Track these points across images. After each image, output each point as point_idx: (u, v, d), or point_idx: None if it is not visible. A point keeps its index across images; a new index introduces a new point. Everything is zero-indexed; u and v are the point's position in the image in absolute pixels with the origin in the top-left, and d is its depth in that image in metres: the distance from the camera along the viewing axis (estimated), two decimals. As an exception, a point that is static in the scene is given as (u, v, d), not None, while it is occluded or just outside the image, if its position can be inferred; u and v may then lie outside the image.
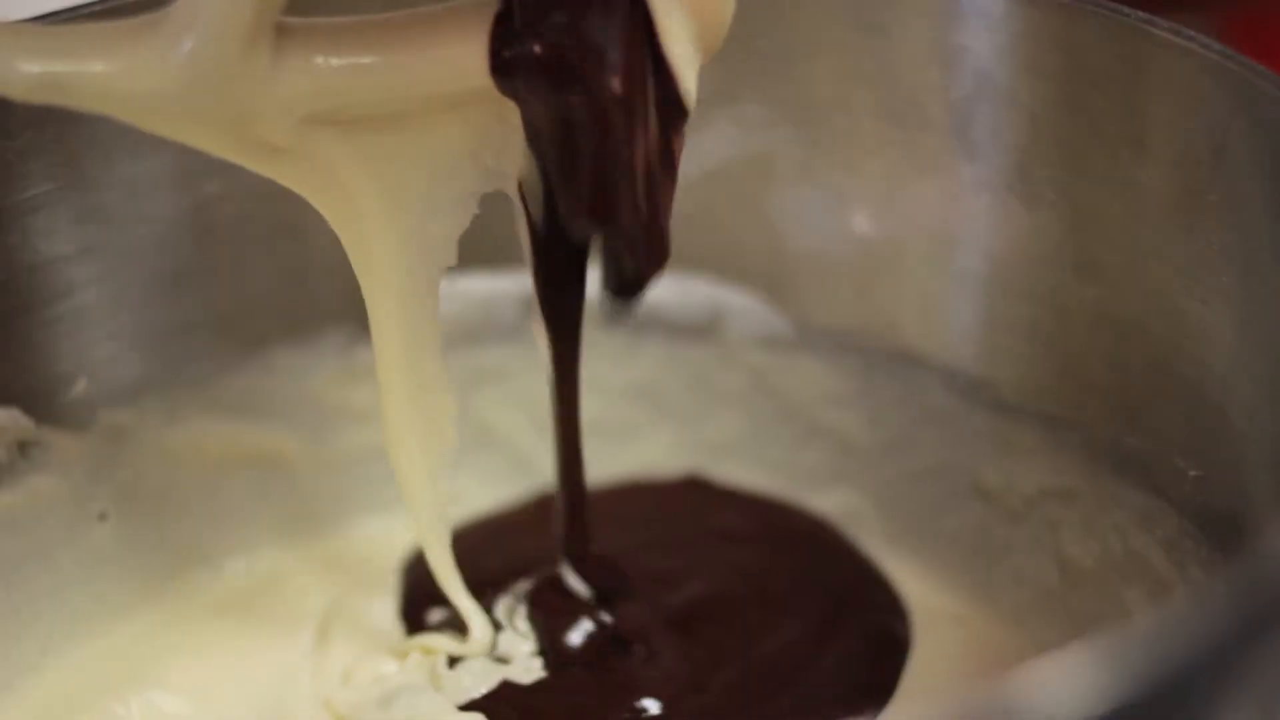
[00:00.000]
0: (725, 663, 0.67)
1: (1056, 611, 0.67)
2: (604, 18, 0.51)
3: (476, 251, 0.72)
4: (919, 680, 0.66)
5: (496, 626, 0.68)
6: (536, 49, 0.52)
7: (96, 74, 0.51)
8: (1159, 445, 0.62)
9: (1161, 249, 0.61)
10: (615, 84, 0.51)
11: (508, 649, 0.68)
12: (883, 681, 0.66)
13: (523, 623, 0.68)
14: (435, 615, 0.70)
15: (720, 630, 0.68)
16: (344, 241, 0.58)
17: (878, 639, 0.68)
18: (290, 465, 0.73)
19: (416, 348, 0.60)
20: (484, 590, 0.70)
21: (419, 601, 0.71)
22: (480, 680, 0.66)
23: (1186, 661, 0.39)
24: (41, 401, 0.67)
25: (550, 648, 0.67)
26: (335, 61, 0.53)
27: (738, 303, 0.73)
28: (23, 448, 0.66)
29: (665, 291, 0.72)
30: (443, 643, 0.68)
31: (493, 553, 0.73)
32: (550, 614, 0.68)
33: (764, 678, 0.66)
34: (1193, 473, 0.61)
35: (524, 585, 0.70)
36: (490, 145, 0.57)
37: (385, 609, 0.71)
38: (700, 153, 0.70)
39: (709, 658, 0.67)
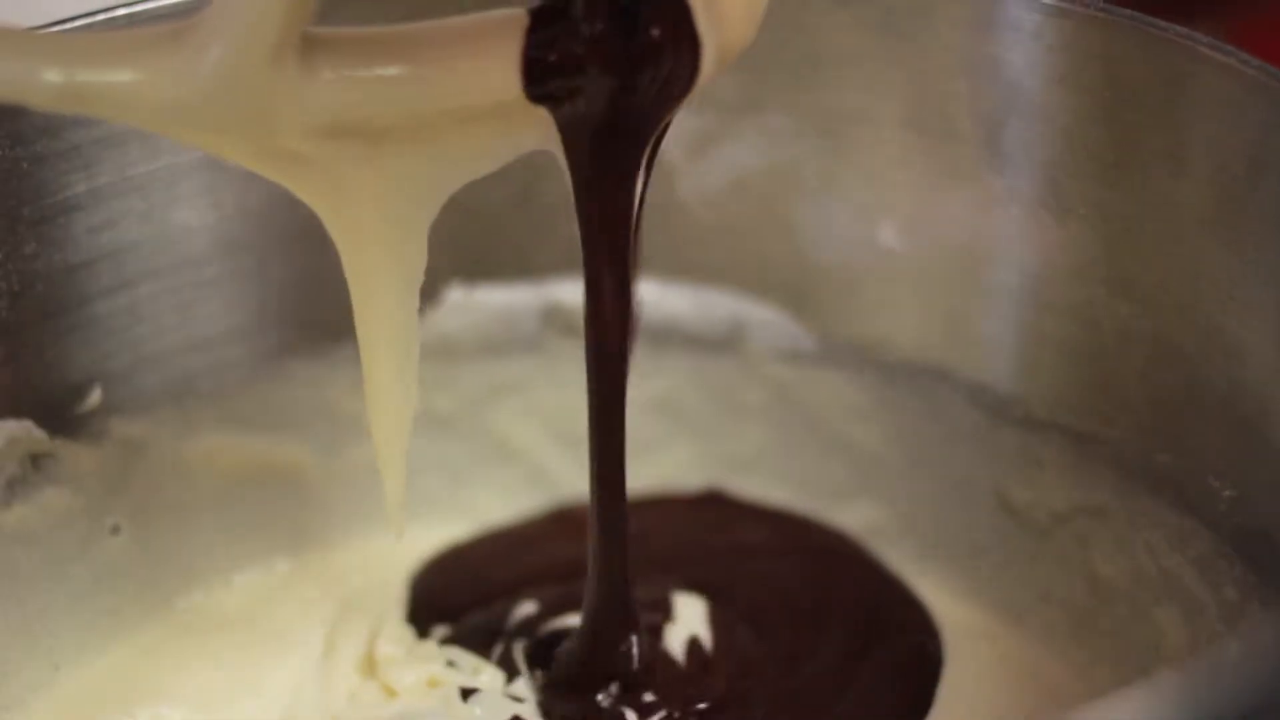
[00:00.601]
0: (756, 693, 0.66)
1: (1087, 630, 0.66)
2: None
3: (495, 263, 0.72)
4: (954, 699, 0.66)
5: (511, 669, 0.67)
6: (578, 50, 0.52)
7: (121, 84, 0.50)
8: (1193, 463, 0.62)
9: (1197, 264, 0.61)
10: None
11: (522, 689, 0.67)
12: (918, 702, 0.65)
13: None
14: (440, 630, 0.69)
15: (749, 657, 0.67)
16: (343, 248, 0.57)
17: (910, 658, 0.68)
18: (304, 478, 0.73)
19: (402, 349, 0.59)
20: (494, 602, 0.70)
21: (427, 614, 0.70)
22: (493, 714, 0.65)
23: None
24: (55, 413, 0.66)
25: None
26: (363, 73, 0.52)
27: (760, 315, 0.72)
28: (35, 460, 0.66)
29: (686, 303, 0.72)
30: (449, 675, 0.67)
31: (506, 565, 0.73)
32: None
33: (797, 705, 0.65)
34: (1227, 492, 0.61)
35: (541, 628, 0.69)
36: (495, 155, 0.56)
37: (394, 622, 0.70)
38: (724, 163, 0.70)
39: (738, 688, 0.66)
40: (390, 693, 0.66)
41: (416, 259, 0.56)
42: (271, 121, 0.52)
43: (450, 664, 0.67)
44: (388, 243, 0.56)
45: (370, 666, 0.68)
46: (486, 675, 0.66)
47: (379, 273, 0.57)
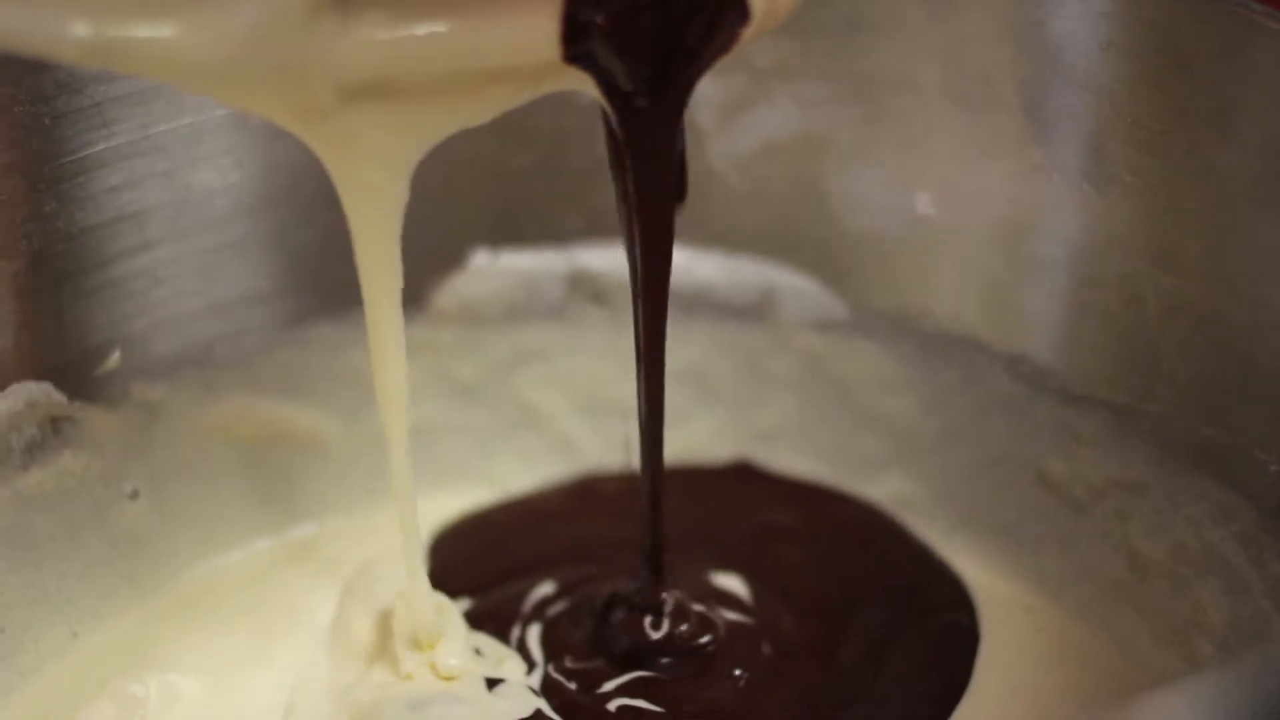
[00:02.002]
0: (793, 671, 0.65)
1: (1126, 605, 0.66)
2: None
3: (521, 229, 0.71)
4: (992, 673, 0.65)
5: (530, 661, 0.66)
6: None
7: (154, 39, 0.49)
8: (1237, 437, 0.61)
9: (1244, 235, 0.60)
10: None
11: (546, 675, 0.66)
12: (956, 678, 0.65)
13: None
14: (463, 603, 0.68)
15: (787, 637, 0.67)
16: (352, 211, 0.56)
17: (947, 635, 0.67)
18: (324, 444, 0.72)
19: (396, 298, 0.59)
20: (516, 578, 0.69)
21: (446, 583, 0.68)
22: (517, 706, 0.64)
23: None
24: (74, 376, 0.65)
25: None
26: (401, 32, 0.51)
27: (791, 283, 0.71)
28: (54, 424, 0.65)
29: (715, 270, 0.71)
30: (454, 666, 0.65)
31: (528, 539, 0.72)
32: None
33: (835, 685, 0.65)
34: (1274, 466, 0.60)
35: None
36: (512, 102, 0.55)
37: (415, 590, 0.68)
38: (756, 128, 0.69)
39: (777, 668, 0.65)
40: (401, 673, 0.65)
41: (404, 193, 0.55)
42: (304, 78, 0.51)
43: (478, 652, 0.66)
44: (382, 183, 0.55)
45: (383, 637, 0.67)
46: (511, 664, 0.66)
47: (378, 217, 0.56)
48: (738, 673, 0.65)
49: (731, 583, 0.69)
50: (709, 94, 0.67)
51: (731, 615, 0.67)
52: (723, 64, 0.53)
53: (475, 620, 0.67)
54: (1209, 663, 0.61)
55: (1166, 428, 0.64)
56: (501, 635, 0.67)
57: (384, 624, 0.67)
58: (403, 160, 0.54)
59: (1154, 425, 0.64)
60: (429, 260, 0.71)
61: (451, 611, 0.66)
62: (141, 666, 0.66)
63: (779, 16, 0.53)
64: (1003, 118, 0.65)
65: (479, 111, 0.54)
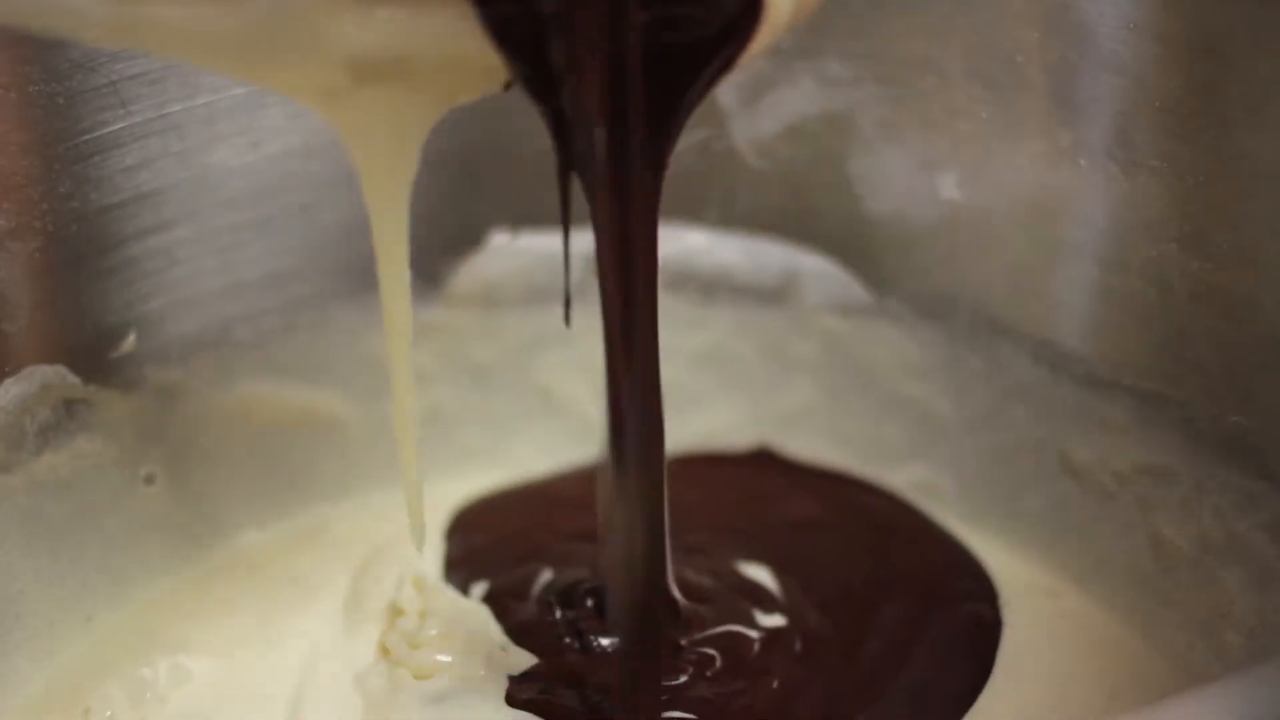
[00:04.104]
0: (822, 667, 0.64)
1: (1151, 593, 0.65)
2: None
3: (541, 209, 0.70)
4: (1016, 658, 0.64)
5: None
6: None
7: (176, 17, 0.49)
8: (1267, 425, 0.60)
9: (1272, 220, 0.59)
10: None
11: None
12: (980, 669, 0.64)
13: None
14: (478, 588, 0.67)
15: (813, 632, 0.66)
16: (370, 191, 0.56)
17: (969, 625, 0.66)
18: (340, 427, 0.72)
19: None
20: (527, 562, 0.68)
21: (461, 569, 0.69)
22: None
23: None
24: (89, 359, 0.65)
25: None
26: (418, 13, 0.50)
27: (813, 266, 0.71)
28: (69, 407, 0.64)
29: (737, 253, 0.71)
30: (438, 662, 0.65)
31: (543, 524, 0.71)
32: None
33: (860, 688, 0.64)
34: (1303, 455, 0.59)
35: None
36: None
37: (427, 569, 0.68)
38: (779, 109, 0.68)
39: (804, 664, 0.64)
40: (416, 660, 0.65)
41: (416, 161, 0.54)
42: (321, 55, 0.50)
43: (504, 650, 0.65)
44: (395, 153, 0.54)
45: (394, 621, 0.66)
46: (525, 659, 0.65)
47: (399, 205, 0.55)
48: (772, 681, 0.64)
49: (759, 574, 0.68)
50: (732, 75, 0.67)
51: (762, 617, 0.66)
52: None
53: (492, 603, 0.66)
54: (1236, 652, 0.61)
55: (1194, 415, 0.63)
56: (520, 621, 0.66)
57: (395, 608, 0.66)
58: (418, 127, 0.54)
59: (1181, 412, 0.64)
60: (447, 241, 0.71)
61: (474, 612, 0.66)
62: (153, 648, 0.65)
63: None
64: (1029, 100, 0.64)
65: (489, 86, 0.53)
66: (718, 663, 0.63)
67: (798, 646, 0.65)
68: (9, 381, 0.62)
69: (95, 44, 0.51)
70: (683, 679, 0.62)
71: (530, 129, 0.54)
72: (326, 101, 0.53)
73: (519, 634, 0.65)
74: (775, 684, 0.63)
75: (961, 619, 0.66)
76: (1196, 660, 0.63)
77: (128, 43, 0.50)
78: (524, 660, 0.64)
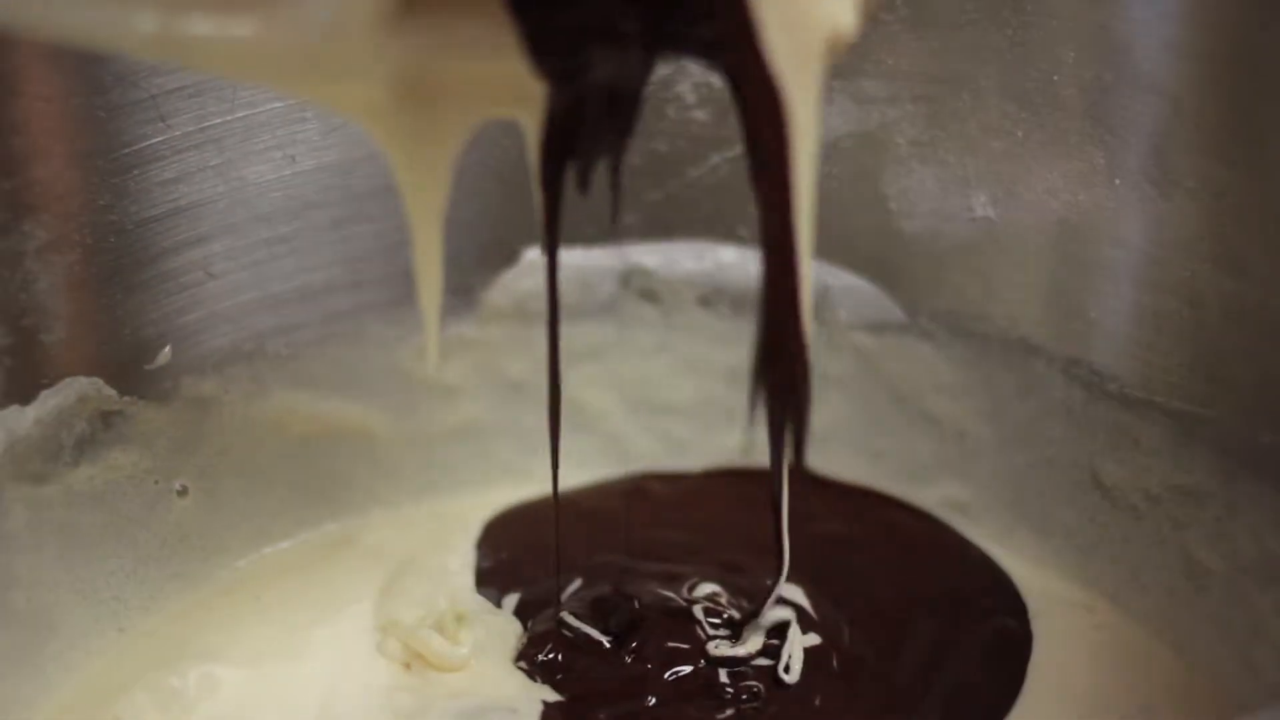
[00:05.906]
0: (850, 696, 0.64)
1: (1183, 612, 0.65)
2: None
3: (574, 225, 0.70)
4: (1047, 674, 0.64)
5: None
6: None
7: (223, 37, 0.49)
8: (1302, 445, 0.61)
9: (1309, 241, 0.59)
10: None
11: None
12: (1010, 687, 0.64)
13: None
14: (510, 600, 0.68)
15: (845, 650, 0.66)
16: (410, 205, 0.55)
17: (1000, 641, 0.66)
18: (373, 440, 0.72)
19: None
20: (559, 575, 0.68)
21: (493, 581, 0.69)
22: None
23: None
24: (125, 371, 0.65)
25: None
26: (460, 31, 0.51)
27: (845, 283, 0.71)
28: (105, 419, 0.65)
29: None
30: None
31: (576, 538, 0.70)
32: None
33: (893, 708, 0.64)
34: (1336, 475, 0.59)
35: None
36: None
37: (459, 580, 0.69)
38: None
39: (834, 698, 0.64)
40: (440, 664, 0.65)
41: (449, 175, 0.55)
42: (366, 72, 0.50)
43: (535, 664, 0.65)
44: (434, 168, 0.55)
45: (424, 635, 0.66)
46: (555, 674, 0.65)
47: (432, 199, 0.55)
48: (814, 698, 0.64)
49: (793, 594, 0.67)
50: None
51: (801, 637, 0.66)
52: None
53: (523, 616, 0.67)
54: (1271, 670, 0.60)
55: (1227, 434, 0.63)
56: (552, 635, 0.66)
57: (426, 621, 0.66)
58: (455, 140, 0.54)
59: (1214, 431, 0.64)
60: (481, 256, 0.71)
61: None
62: (182, 657, 0.65)
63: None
64: (1064, 119, 0.64)
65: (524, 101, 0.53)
66: (760, 690, 0.63)
67: (835, 664, 0.65)
68: (46, 393, 0.63)
69: (134, 57, 0.51)
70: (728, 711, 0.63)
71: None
72: (367, 115, 0.53)
73: (550, 648, 0.65)
74: (817, 701, 0.63)
75: (992, 634, 0.66)
76: (1229, 676, 0.62)
77: (170, 58, 0.50)
78: (554, 675, 0.64)
